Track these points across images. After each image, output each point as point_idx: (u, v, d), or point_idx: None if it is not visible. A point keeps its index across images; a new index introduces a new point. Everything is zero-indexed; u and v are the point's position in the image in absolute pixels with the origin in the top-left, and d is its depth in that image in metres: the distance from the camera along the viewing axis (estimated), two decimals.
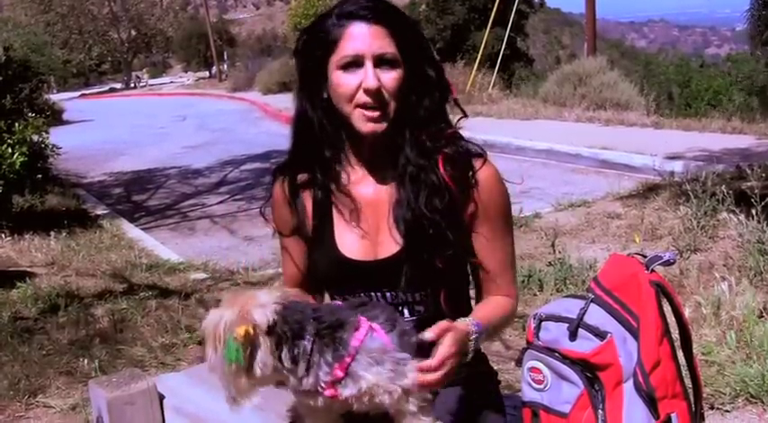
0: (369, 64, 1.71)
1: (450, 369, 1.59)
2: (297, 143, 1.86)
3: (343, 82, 1.73)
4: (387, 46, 1.72)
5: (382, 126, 1.74)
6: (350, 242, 1.83)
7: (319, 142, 1.81)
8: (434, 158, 1.77)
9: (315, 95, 1.80)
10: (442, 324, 1.62)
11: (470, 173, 1.78)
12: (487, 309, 1.83)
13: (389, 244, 1.80)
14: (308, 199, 1.88)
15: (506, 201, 1.86)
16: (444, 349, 1.59)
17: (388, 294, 1.80)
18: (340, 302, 1.74)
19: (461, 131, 1.85)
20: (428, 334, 1.60)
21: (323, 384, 1.54)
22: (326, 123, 1.80)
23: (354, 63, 1.72)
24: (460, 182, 1.78)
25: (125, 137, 17.99)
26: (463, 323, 1.69)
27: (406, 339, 1.60)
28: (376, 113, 1.73)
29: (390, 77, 1.72)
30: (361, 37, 1.72)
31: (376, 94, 1.71)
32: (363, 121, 1.74)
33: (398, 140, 1.78)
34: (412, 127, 1.78)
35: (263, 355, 1.50)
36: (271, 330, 1.50)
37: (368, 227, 1.83)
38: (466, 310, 1.84)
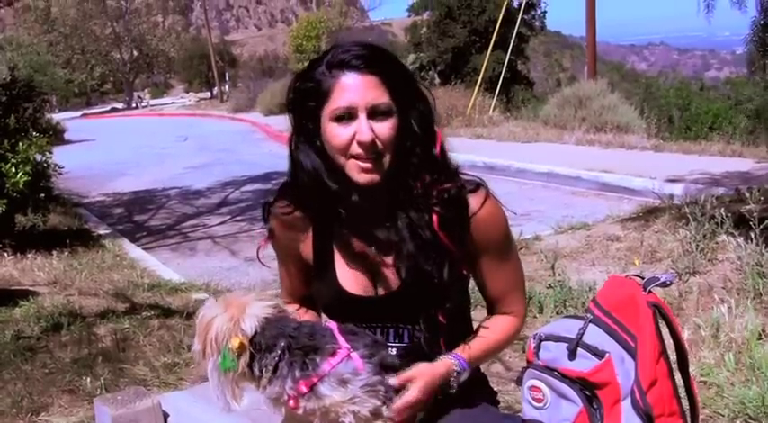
0: (362, 116, 1.67)
1: (414, 410, 1.70)
2: (295, 181, 1.83)
3: (337, 134, 1.69)
4: (380, 96, 1.68)
5: (376, 178, 1.71)
6: (350, 277, 1.84)
7: (318, 182, 1.77)
8: (429, 215, 1.74)
9: (310, 143, 1.76)
10: (408, 373, 1.70)
11: (465, 214, 1.77)
12: (481, 342, 1.85)
13: (389, 282, 1.82)
14: (309, 230, 1.87)
15: (504, 230, 1.85)
16: (410, 395, 1.68)
17: (388, 325, 1.84)
18: (333, 324, 1.77)
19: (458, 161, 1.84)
20: (393, 380, 1.68)
21: (287, 395, 1.65)
22: (324, 168, 1.75)
23: (348, 115, 1.68)
24: (456, 232, 1.76)
25: (126, 157, 18.01)
26: (442, 363, 1.76)
27: (380, 370, 1.69)
28: (369, 165, 1.69)
29: (385, 127, 1.69)
30: (353, 88, 1.67)
31: (370, 146, 1.67)
32: (358, 172, 1.70)
33: (394, 187, 1.75)
34: (406, 176, 1.74)
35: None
36: (251, 340, 1.64)
37: (368, 264, 1.83)
38: (464, 334, 1.89)
